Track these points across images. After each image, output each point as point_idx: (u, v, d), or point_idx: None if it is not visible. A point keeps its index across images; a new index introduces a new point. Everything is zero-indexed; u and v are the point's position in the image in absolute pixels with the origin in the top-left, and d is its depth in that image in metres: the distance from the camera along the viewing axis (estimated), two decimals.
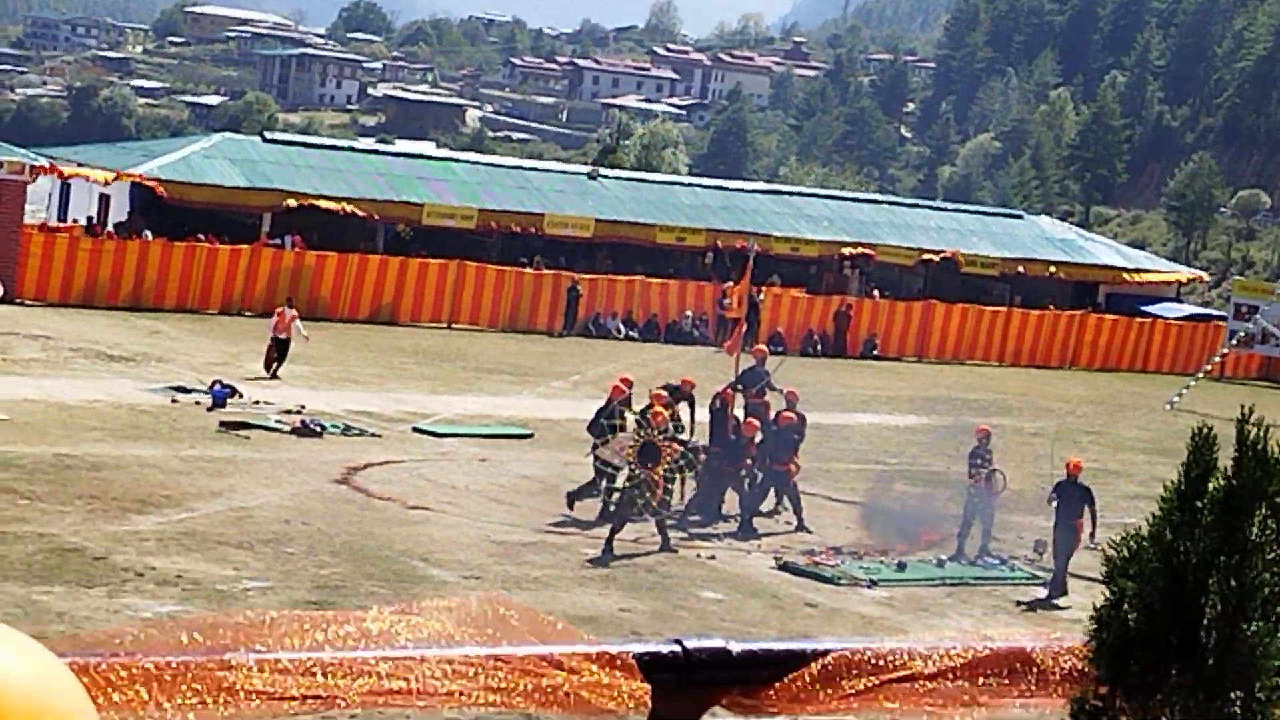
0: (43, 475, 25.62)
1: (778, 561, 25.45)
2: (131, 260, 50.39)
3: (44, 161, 55.65)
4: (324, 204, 56.29)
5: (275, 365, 38.95)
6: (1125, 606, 2.95)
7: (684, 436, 27.76)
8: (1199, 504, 2.91)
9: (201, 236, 53.39)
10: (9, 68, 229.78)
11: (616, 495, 26.02)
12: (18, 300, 47.52)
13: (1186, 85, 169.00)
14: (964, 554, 26.72)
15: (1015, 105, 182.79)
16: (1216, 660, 2.96)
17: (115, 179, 54.16)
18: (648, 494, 25.22)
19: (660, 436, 25.52)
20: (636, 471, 25.23)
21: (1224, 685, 2.99)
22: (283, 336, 39.37)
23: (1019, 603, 24.76)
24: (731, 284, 47.55)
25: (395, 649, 3.46)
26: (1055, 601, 24.69)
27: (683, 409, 29.64)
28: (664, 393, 28.27)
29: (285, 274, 52.52)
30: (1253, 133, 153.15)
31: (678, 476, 27.29)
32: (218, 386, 34.64)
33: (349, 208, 56.67)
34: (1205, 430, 3.02)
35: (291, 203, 55.96)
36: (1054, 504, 25.57)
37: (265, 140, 63.12)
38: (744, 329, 34.00)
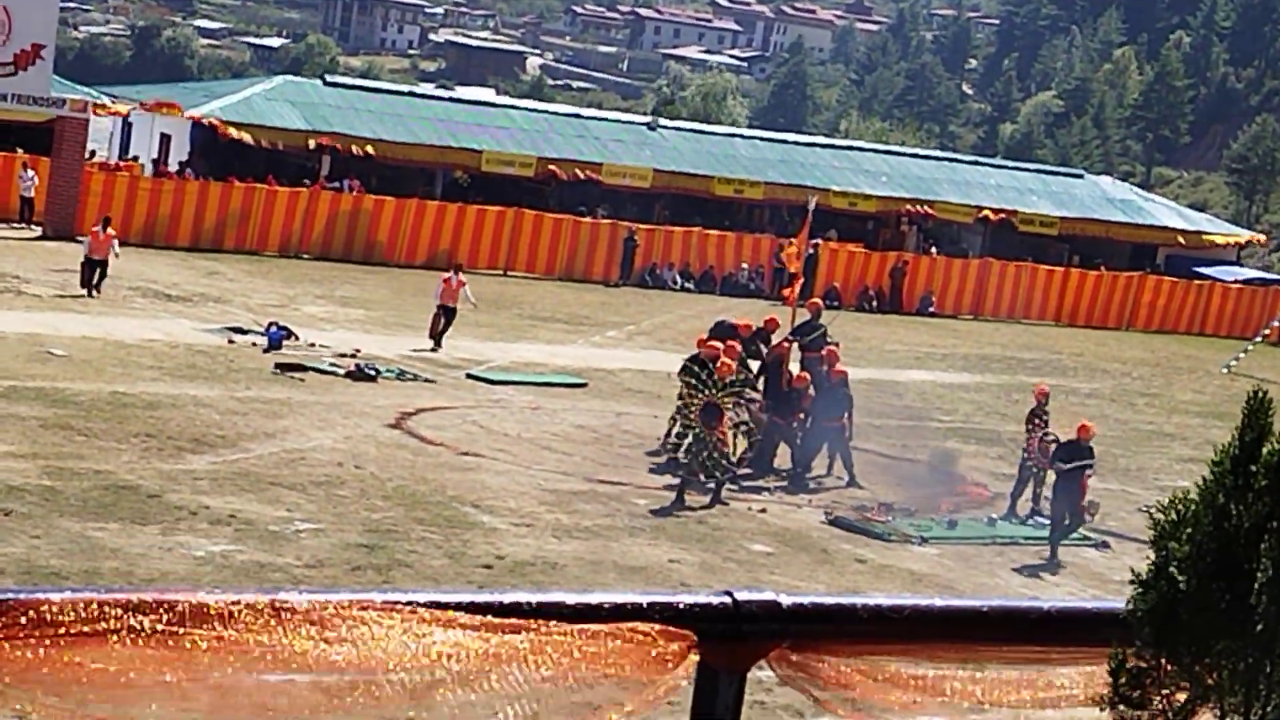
0: (99, 413, 25.79)
1: (828, 516, 25.44)
2: (191, 200, 50.59)
3: (106, 100, 55.97)
4: (370, 150, 56.52)
5: (441, 334, 37.15)
6: (1173, 569, 2.95)
7: (747, 384, 27.71)
8: (1252, 468, 2.91)
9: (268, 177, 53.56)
10: (73, 6, 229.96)
11: (684, 457, 26.10)
12: (78, 238, 47.76)
13: (1252, 47, 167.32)
14: (1015, 513, 26.67)
15: (1078, 64, 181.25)
16: (1267, 625, 2.96)
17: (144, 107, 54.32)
18: (713, 453, 25.28)
19: (725, 390, 25.48)
20: (699, 432, 25.31)
21: (1274, 649, 2.99)
22: (450, 305, 37.66)
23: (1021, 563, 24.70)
24: (790, 239, 47.50)
25: (438, 593, 3.48)
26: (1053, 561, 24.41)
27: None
28: (717, 344, 28.19)
29: (343, 217, 52.67)
30: None
31: (736, 434, 27.32)
32: (274, 328, 34.78)
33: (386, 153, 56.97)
34: (1261, 394, 3.01)
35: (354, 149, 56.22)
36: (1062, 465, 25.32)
37: (326, 84, 63.20)
38: (801, 282, 33.96)
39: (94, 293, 38.17)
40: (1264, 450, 2.87)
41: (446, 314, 37.57)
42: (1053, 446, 26.75)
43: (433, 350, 36.43)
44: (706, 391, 25.43)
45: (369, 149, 56.72)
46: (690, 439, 26.01)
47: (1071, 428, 26.19)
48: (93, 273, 38.57)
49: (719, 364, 26.24)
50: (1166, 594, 2.93)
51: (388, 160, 57.21)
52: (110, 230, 39.77)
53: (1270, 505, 2.85)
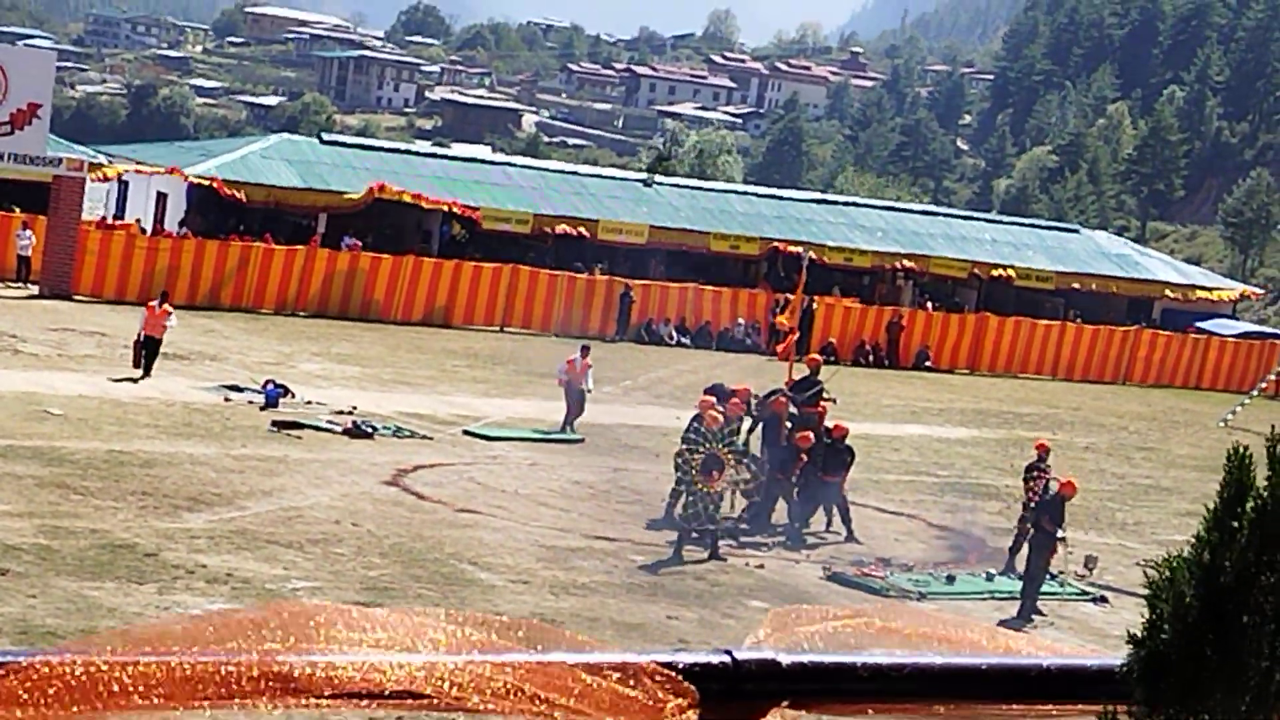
0: (95, 471, 25.78)
1: (826, 572, 25.43)
2: (188, 258, 50.60)
3: (103, 159, 56.09)
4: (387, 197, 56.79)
5: (574, 417, 35.66)
6: (1165, 626, 2.98)
7: (739, 441, 27.76)
8: (1235, 524, 2.94)
9: (260, 235, 53.63)
10: (70, 65, 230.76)
11: (681, 510, 26.12)
12: (74, 297, 47.84)
13: (1246, 101, 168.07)
14: (1014, 568, 26.58)
15: (1073, 119, 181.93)
16: (1258, 678, 2.99)
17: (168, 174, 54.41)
18: (710, 507, 25.32)
19: (720, 442, 25.54)
20: (699, 485, 25.32)
21: (1265, 701, 3.01)
22: (579, 387, 35.89)
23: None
24: (785, 294, 47.56)
25: (434, 654, 3.48)
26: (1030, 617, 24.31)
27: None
28: (711, 398, 28.24)
29: (340, 275, 52.71)
30: None
31: (734, 490, 27.33)
32: (271, 386, 34.79)
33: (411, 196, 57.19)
34: (1241, 450, 3.05)
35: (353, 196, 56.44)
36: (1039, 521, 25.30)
37: (323, 142, 63.40)
38: (797, 336, 33.95)
39: (148, 374, 35.62)
40: (1246, 506, 2.91)
41: (576, 398, 35.77)
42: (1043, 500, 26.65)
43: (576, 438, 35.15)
44: (704, 446, 25.48)
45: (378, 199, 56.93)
46: (685, 495, 26.01)
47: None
48: (147, 352, 36.07)
49: (707, 416, 26.29)
50: (1158, 650, 2.95)
51: (385, 217, 57.37)
52: (167, 305, 37.16)
53: (1254, 560, 2.88)
